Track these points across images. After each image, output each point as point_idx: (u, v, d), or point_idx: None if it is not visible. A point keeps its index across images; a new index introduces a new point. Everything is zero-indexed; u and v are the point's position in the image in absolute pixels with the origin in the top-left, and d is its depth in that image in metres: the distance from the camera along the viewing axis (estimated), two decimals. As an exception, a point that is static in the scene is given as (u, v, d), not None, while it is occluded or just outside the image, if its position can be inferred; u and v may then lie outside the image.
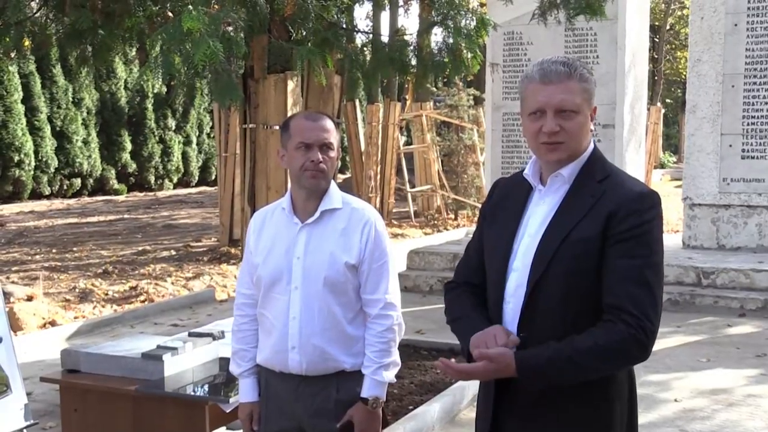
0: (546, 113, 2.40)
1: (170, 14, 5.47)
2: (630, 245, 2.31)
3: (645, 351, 2.31)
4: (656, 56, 29.76)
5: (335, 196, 3.09)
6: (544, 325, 2.37)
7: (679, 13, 32.18)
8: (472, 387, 5.72)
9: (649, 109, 16.91)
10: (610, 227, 2.33)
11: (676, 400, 5.84)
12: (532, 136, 2.45)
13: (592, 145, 2.49)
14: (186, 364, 4.21)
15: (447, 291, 2.74)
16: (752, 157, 10.26)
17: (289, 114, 5.70)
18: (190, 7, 4.14)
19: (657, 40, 30.06)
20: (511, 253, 2.48)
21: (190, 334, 4.60)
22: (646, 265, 2.32)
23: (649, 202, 2.38)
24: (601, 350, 2.28)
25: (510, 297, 2.45)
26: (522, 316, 2.41)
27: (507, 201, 2.59)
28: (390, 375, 3.09)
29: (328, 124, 3.07)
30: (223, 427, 4.40)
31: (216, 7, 4.49)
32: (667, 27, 32.20)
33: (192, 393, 4.03)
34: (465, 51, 5.56)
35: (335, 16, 5.33)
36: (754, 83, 10.18)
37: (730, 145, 10.35)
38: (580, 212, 2.38)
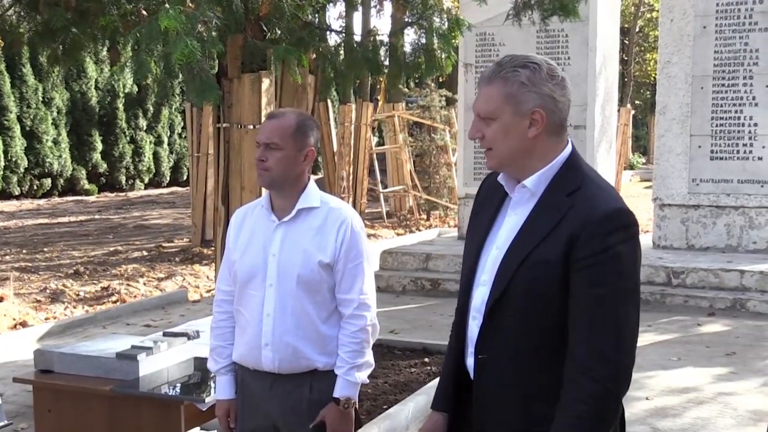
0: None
1: (144, 13, 5.45)
2: (594, 272, 2.15)
3: (615, 393, 2.17)
4: (626, 58, 30.00)
5: (313, 194, 3.09)
6: (502, 347, 2.26)
7: (649, 15, 32.44)
8: (446, 386, 5.73)
9: (619, 111, 17.04)
10: (572, 251, 2.17)
11: (647, 398, 5.90)
12: None
13: (566, 153, 2.31)
14: (161, 363, 4.20)
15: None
16: (721, 158, 10.39)
17: (263, 114, 5.71)
18: (167, 5, 4.13)
19: (627, 42, 30.28)
20: (478, 264, 2.38)
21: (165, 334, 4.59)
22: (613, 294, 2.15)
23: (617, 222, 2.18)
24: (582, 426, 2.15)
25: (476, 313, 2.35)
26: (480, 336, 2.30)
27: (485, 204, 2.47)
28: (363, 376, 3.10)
29: (282, 122, 3.04)
30: (198, 428, 4.39)
31: (192, 6, 4.48)
32: (637, 29, 32.45)
33: (167, 393, 4.02)
34: (439, 51, 5.59)
35: (310, 15, 5.34)
36: (723, 85, 10.31)
37: (699, 146, 10.47)
38: (543, 231, 2.22)
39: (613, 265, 2.16)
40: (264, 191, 3.22)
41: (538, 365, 2.25)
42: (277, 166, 3.01)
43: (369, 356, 3.12)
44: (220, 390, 3.23)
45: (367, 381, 3.17)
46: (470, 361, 2.38)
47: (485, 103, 2.28)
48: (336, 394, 3.05)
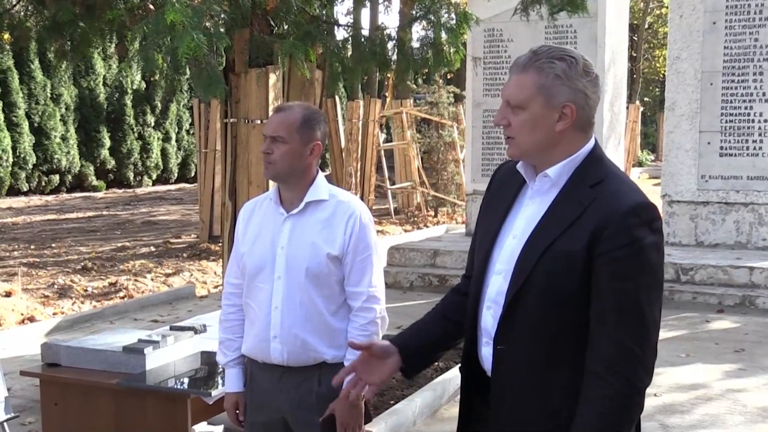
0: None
1: (151, 7, 5.44)
2: (619, 266, 2.12)
3: (638, 388, 2.16)
4: (635, 55, 29.91)
5: (321, 187, 3.08)
6: (521, 338, 2.23)
7: (658, 12, 32.35)
8: (453, 382, 5.74)
9: (627, 108, 17.00)
10: (596, 244, 2.13)
11: (655, 395, 5.88)
12: None
13: (590, 145, 2.27)
14: (168, 357, 4.20)
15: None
16: (730, 155, 10.35)
17: (270, 109, 5.70)
18: (173, -1, 4.12)
19: (636, 38, 30.20)
20: (494, 252, 2.34)
21: (172, 328, 4.59)
22: (637, 289, 2.13)
23: (643, 216, 2.15)
24: (609, 421, 2.13)
25: (491, 302, 2.32)
26: (500, 327, 2.26)
27: (501, 191, 2.43)
28: None
29: (288, 115, 3.04)
30: (204, 422, 4.39)
31: (199, 0, 4.48)
32: (646, 26, 32.36)
33: (174, 386, 4.01)
34: (447, 46, 5.57)
35: (317, 9, 5.33)
36: (732, 81, 10.26)
37: (709, 143, 10.43)
38: (565, 222, 2.19)
39: (639, 259, 2.14)
40: (272, 184, 3.22)
41: (556, 357, 2.22)
42: (283, 160, 3.00)
43: None
44: (229, 383, 3.23)
45: (377, 374, 3.16)
46: (485, 352, 2.35)
47: (517, 90, 2.23)
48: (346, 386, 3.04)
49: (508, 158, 2.40)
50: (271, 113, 3.11)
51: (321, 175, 3.12)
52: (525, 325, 2.22)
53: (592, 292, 2.16)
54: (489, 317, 2.32)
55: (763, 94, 10.13)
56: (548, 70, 2.20)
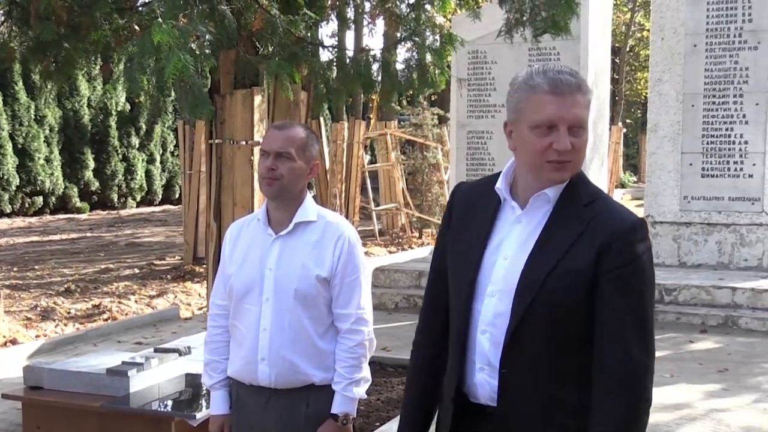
0: (558, 128, 2.16)
1: (137, 28, 5.45)
2: (625, 281, 2.16)
3: (648, 400, 2.21)
4: (617, 77, 30.12)
5: (310, 208, 3.08)
6: (526, 359, 2.21)
7: (639, 34, 32.62)
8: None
9: (610, 129, 17.10)
10: (602, 261, 2.16)
11: (640, 415, 5.88)
12: (537, 152, 2.18)
13: None
14: (152, 379, 4.18)
15: (411, 357, 2.59)
16: (712, 176, 10.42)
17: (256, 129, 5.71)
18: (160, 20, 4.13)
19: (617, 61, 30.42)
20: (480, 275, 2.28)
21: (156, 350, 4.57)
22: (641, 302, 2.19)
23: (642, 233, 2.21)
24: None
25: (487, 326, 2.25)
26: (505, 350, 2.22)
27: (473, 214, 2.37)
28: (361, 391, 3.08)
29: (294, 133, 3.04)
30: (189, 444, 4.36)
31: (185, 21, 4.48)
32: (627, 49, 32.61)
33: (158, 409, 3.99)
34: (432, 67, 5.59)
35: (303, 31, 5.35)
36: (713, 102, 10.35)
37: (691, 164, 10.50)
38: (567, 240, 2.19)
39: (641, 274, 2.20)
40: (260, 204, 3.22)
41: (562, 377, 2.21)
42: (289, 176, 3.00)
43: (366, 371, 3.11)
44: (215, 405, 3.20)
45: (365, 396, 3.16)
46: (480, 378, 2.30)
47: (581, 111, 2.19)
48: (334, 410, 3.03)
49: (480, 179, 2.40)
50: (268, 131, 3.11)
51: (309, 196, 3.12)
52: (531, 346, 2.20)
53: (597, 308, 2.18)
54: (485, 342, 2.27)
55: (744, 116, 10.21)
56: (589, 90, 2.23)
